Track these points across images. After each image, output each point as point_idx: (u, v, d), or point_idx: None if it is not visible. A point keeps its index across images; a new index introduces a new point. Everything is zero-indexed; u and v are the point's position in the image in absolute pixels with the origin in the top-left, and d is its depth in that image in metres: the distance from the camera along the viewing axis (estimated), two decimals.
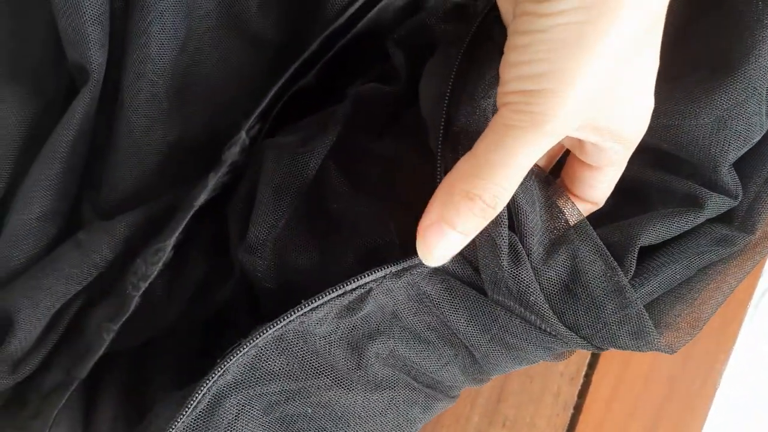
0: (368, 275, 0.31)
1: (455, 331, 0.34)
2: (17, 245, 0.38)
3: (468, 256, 0.32)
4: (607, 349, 0.34)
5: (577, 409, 0.49)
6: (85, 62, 0.36)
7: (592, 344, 0.33)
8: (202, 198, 0.36)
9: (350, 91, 0.36)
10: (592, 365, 0.49)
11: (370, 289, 0.32)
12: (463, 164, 0.28)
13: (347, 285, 0.31)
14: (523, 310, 0.32)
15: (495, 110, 0.28)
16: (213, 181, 0.35)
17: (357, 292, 0.32)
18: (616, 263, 0.33)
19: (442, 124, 0.31)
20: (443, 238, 0.29)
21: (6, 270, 0.38)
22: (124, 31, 0.37)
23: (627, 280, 0.33)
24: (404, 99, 0.37)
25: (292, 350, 0.33)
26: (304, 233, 0.35)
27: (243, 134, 0.36)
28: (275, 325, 0.31)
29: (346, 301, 0.32)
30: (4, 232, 0.38)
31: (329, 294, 0.31)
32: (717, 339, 0.51)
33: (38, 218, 0.38)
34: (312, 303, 0.31)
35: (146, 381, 0.40)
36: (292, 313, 0.31)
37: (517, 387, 0.49)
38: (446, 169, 0.31)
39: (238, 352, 0.31)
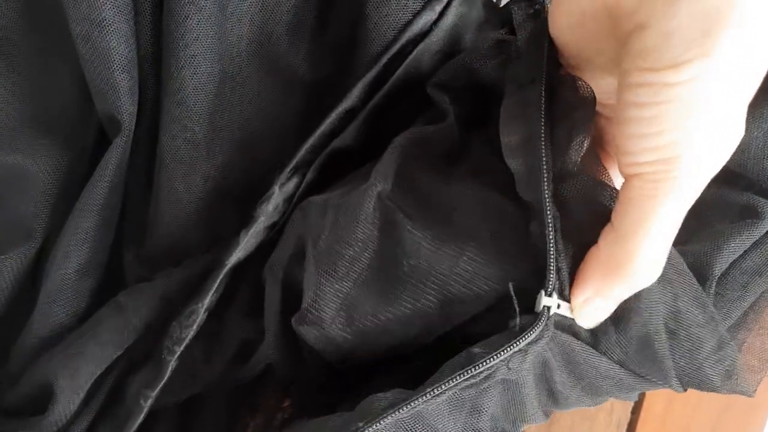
0: (497, 356, 0.28)
1: (551, 382, 0.33)
2: (57, 300, 0.37)
3: None
4: (688, 389, 0.33)
5: (631, 426, 0.48)
6: (115, 112, 0.35)
7: (683, 386, 0.32)
8: (234, 257, 0.34)
9: (397, 139, 0.34)
10: None
11: (497, 369, 0.29)
12: (609, 242, 0.28)
13: (475, 369, 0.28)
14: (634, 363, 0.31)
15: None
16: (245, 238, 0.34)
17: (483, 374, 0.29)
18: (710, 303, 0.32)
19: (545, 167, 0.29)
20: (600, 310, 0.29)
21: (48, 326, 0.37)
22: (155, 77, 0.36)
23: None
24: (455, 139, 0.35)
25: (407, 429, 0.30)
26: (374, 293, 0.32)
27: (276, 189, 0.34)
28: (396, 413, 0.29)
29: (470, 382, 0.29)
30: (44, 287, 0.37)
31: (455, 380, 0.28)
32: None
33: (76, 272, 0.37)
34: (436, 391, 0.29)
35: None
36: (416, 402, 0.29)
37: None
38: (555, 228, 0.29)
39: None
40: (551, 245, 0.28)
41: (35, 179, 0.37)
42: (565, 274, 0.29)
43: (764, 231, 0.36)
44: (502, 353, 0.28)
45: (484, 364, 0.28)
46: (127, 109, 0.35)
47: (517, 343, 0.28)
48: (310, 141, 0.35)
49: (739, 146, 0.36)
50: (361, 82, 0.35)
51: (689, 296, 0.31)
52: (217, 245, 0.38)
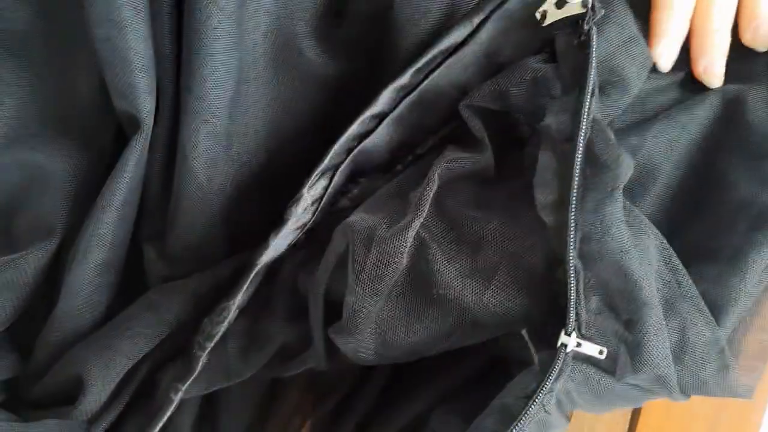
0: (535, 404, 0.30)
1: (575, 405, 0.34)
2: (78, 296, 0.38)
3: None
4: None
5: (636, 414, 0.49)
6: (134, 111, 0.35)
7: (686, 395, 0.34)
8: (265, 257, 0.35)
9: (435, 168, 0.35)
10: None
11: (536, 414, 0.31)
12: None
13: (522, 423, 0.30)
14: (645, 383, 0.32)
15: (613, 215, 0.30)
16: (274, 240, 0.35)
17: (527, 424, 0.31)
18: (720, 331, 0.34)
19: (572, 230, 0.31)
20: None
21: (70, 322, 0.38)
22: (173, 75, 0.36)
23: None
24: (491, 169, 0.36)
25: None
26: (405, 314, 0.34)
27: (304, 192, 0.35)
28: None
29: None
30: (65, 283, 0.37)
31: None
32: None
33: (96, 268, 0.37)
34: None
35: (215, 423, 0.41)
36: None
37: None
38: (576, 280, 0.31)
39: None
40: (572, 295, 0.31)
41: (55, 178, 0.37)
42: (583, 317, 0.31)
43: None
44: (537, 398, 0.30)
45: (528, 415, 0.30)
46: (145, 107, 0.35)
47: (546, 384, 0.30)
48: (337, 145, 0.35)
49: None
50: (388, 89, 0.35)
51: (698, 328, 0.33)
52: (242, 245, 0.38)
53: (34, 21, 0.36)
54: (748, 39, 0.39)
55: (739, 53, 0.39)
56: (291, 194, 0.36)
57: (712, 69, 0.38)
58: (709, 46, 0.38)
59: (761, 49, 0.39)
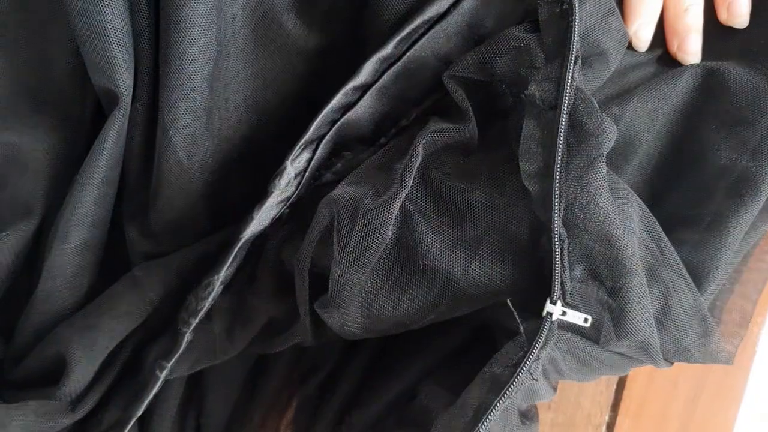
0: (522, 373, 0.30)
1: (560, 371, 0.34)
2: (59, 276, 0.37)
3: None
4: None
5: (620, 385, 0.50)
6: (113, 86, 0.34)
7: (669, 362, 0.34)
8: (249, 231, 0.35)
9: (419, 139, 0.34)
10: None
11: (524, 382, 0.31)
12: None
13: (510, 391, 0.31)
14: (629, 350, 0.33)
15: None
16: (258, 213, 0.34)
17: (516, 392, 0.31)
18: (701, 297, 0.34)
19: (557, 198, 0.31)
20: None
21: (51, 302, 0.37)
22: (151, 50, 0.35)
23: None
24: (474, 139, 0.36)
25: None
26: (390, 286, 0.34)
27: (287, 164, 0.34)
28: None
29: (506, 404, 0.31)
30: (46, 263, 0.37)
31: (497, 408, 0.30)
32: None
33: (77, 247, 0.37)
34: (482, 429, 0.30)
35: (201, 402, 0.41)
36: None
37: None
38: (561, 248, 0.31)
39: None
40: (557, 264, 0.31)
41: (32, 157, 0.37)
42: (568, 286, 0.31)
43: (760, 206, 0.36)
44: (525, 366, 0.31)
45: (516, 383, 0.31)
46: (124, 82, 0.35)
47: (533, 352, 0.31)
48: (320, 117, 0.35)
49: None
50: (371, 60, 0.35)
51: (681, 293, 0.34)
52: (225, 221, 0.38)
53: None
54: (723, 17, 0.39)
55: (717, 30, 0.39)
56: (274, 169, 0.36)
57: (686, 47, 0.39)
58: (680, 24, 0.38)
59: (738, 26, 0.39)
